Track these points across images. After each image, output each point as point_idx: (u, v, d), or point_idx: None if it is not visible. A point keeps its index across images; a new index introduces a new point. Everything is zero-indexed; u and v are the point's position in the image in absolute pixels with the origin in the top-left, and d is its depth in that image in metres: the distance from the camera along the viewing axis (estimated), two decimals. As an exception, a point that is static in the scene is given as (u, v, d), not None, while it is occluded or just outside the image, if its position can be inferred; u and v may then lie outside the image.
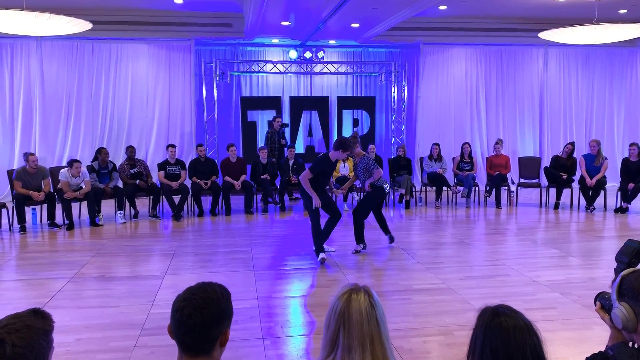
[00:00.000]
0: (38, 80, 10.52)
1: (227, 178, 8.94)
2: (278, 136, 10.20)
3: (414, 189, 9.57)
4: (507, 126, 12.12)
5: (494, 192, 9.40)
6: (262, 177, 9.15)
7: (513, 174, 10.54)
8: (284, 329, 4.03)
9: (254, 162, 9.42)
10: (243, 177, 9.08)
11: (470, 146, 9.87)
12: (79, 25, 7.54)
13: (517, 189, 9.74)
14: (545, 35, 9.04)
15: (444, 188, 9.55)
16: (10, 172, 8.05)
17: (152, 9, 10.06)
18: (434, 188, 9.63)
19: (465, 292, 4.77)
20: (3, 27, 7.27)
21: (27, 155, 7.84)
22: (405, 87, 11.62)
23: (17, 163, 10.08)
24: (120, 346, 3.65)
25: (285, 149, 9.93)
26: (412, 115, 11.91)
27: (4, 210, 7.80)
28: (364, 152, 6.38)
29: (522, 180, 9.94)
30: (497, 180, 9.35)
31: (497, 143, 9.80)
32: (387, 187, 6.30)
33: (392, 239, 6.62)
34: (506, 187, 9.63)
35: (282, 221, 8.51)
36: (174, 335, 1.54)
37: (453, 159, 10.11)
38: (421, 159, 10.26)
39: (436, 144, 9.93)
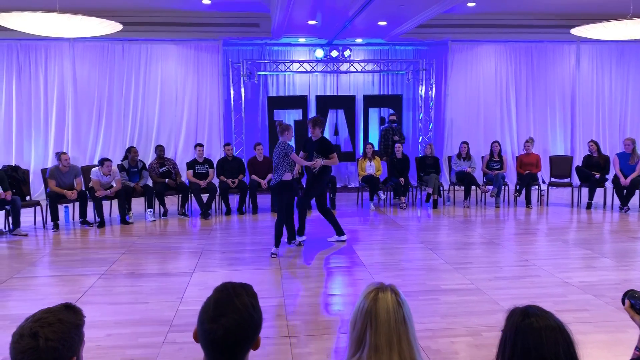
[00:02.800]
0: (70, 81, 10.77)
1: (254, 177, 8.99)
2: (392, 133, 10.24)
3: (441, 188, 9.47)
4: (537, 124, 11.89)
5: (524, 192, 9.23)
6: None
7: (544, 173, 10.33)
8: (310, 327, 4.03)
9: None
10: (270, 176, 9.11)
11: (499, 145, 9.71)
12: (110, 27, 7.68)
13: (548, 189, 9.55)
14: (577, 31, 8.83)
15: (473, 187, 9.42)
16: (44, 171, 8.26)
17: (181, 9, 10.19)
18: (463, 187, 9.51)
19: (494, 293, 4.70)
20: (38, 29, 7.45)
21: (60, 155, 8.03)
22: (433, 85, 11.50)
23: (50, 162, 10.34)
24: (150, 342, 3.71)
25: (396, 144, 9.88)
26: (440, 113, 11.79)
27: (37, 208, 8.02)
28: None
29: (553, 180, 9.74)
30: (527, 180, 9.18)
31: (527, 141, 9.62)
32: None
33: (292, 241, 6.64)
34: (537, 187, 9.45)
35: (308, 219, 8.49)
36: (203, 347, 1.47)
37: (482, 157, 9.96)
38: (449, 158, 10.14)
39: (465, 142, 9.80)
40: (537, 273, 5.35)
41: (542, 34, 11.25)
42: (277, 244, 6.20)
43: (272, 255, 6.08)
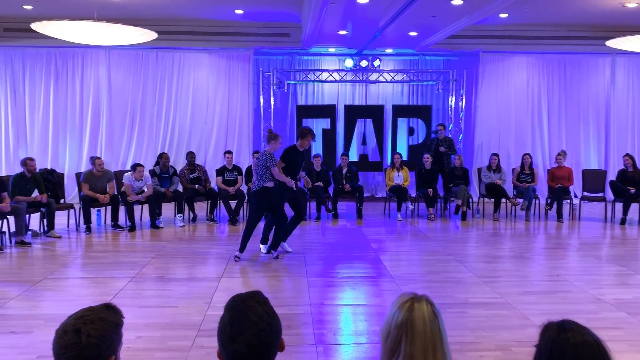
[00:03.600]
0: (105, 88, 11.05)
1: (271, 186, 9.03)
2: (438, 143, 10.17)
3: (470, 200, 9.37)
4: (570, 137, 11.68)
5: (555, 205, 9.05)
6: (315, 184, 9.20)
7: (576, 187, 10.13)
8: (336, 336, 4.02)
9: (308, 170, 9.48)
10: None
11: (531, 157, 9.56)
12: (145, 35, 7.86)
13: (580, 203, 9.35)
14: (613, 43, 8.67)
15: (503, 200, 9.29)
16: (78, 175, 8.47)
17: (214, 19, 10.37)
18: (492, 200, 9.38)
19: (525, 308, 4.61)
20: (76, 37, 7.68)
21: (94, 159, 8.22)
22: (464, 96, 11.42)
23: (84, 166, 10.59)
24: (178, 346, 3.75)
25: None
26: (469, 124, 11.69)
27: (71, 211, 8.21)
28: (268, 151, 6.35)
29: (586, 194, 9.54)
30: (559, 193, 9.01)
31: (559, 154, 9.44)
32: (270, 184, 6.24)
33: (269, 250, 6.43)
34: (568, 201, 9.26)
35: (335, 229, 8.52)
36: None
37: (513, 170, 9.83)
38: (479, 170, 10.03)
39: (495, 154, 9.68)
40: (569, 288, 5.23)
41: (576, 45, 11.07)
42: (243, 248, 6.25)
43: (236, 259, 6.19)
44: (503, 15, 9.75)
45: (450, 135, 10.82)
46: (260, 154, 6.35)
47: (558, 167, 9.37)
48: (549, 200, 9.23)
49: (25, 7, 9.31)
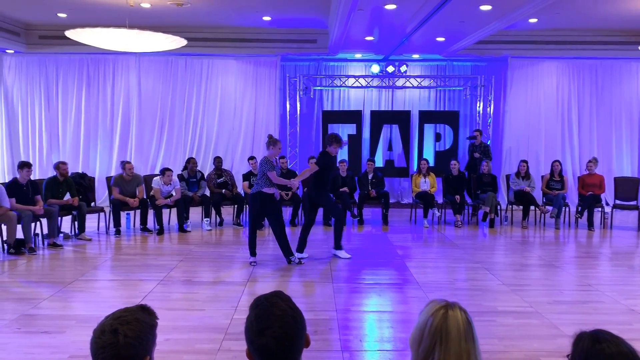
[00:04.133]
0: (135, 94, 11.27)
1: (307, 190, 9.06)
2: (473, 149, 10.16)
3: (498, 207, 9.24)
4: (601, 144, 11.44)
5: (586, 213, 8.87)
6: (341, 189, 9.20)
7: (608, 195, 9.91)
8: (362, 342, 4.01)
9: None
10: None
11: (560, 164, 9.40)
12: (175, 42, 7.99)
13: (612, 211, 9.15)
14: (646, 47, 8.48)
15: (532, 207, 9.14)
16: (108, 179, 8.64)
17: (242, 26, 10.49)
18: (521, 207, 9.24)
19: (554, 317, 4.52)
20: (108, 44, 7.85)
21: (124, 164, 8.38)
22: (492, 102, 11.30)
23: (114, 170, 10.81)
24: (205, 349, 3.79)
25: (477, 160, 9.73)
26: (498, 130, 11.55)
27: (101, 214, 8.38)
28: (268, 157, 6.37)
29: (618, 202, 9.32)
30: (589, 201, 8.82)
31: (590, 161, 9.25)
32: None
33: (289, 261, 6.39)
34: (600, 209, 9.06)
35: (360, 235, 8.50)
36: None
37: (542, 177, 9.67)
38: (507, 176, 9.90)
39: (524, 160, 9.54)
40: (600, 299, 5.12)
41: (607, 50, 10.86)
42: (252, 253, 6.36)
43: (252, 264, 6.26)
44: (532, 20, 9.62)
45: (488, 142, 10.65)
46: (261, 159, 6.36)
47: (589, 175, 9.18)
48: (580, 208, 9.05)
49: (60, 15, 9.57)
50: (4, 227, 6.85)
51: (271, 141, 6.38)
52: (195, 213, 9.05)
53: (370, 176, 9.46)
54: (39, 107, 11.24)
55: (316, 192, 6.66)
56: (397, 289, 5.50)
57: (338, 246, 6.75)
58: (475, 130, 10.45)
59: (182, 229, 8.35)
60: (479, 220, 9.46)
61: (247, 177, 9.13)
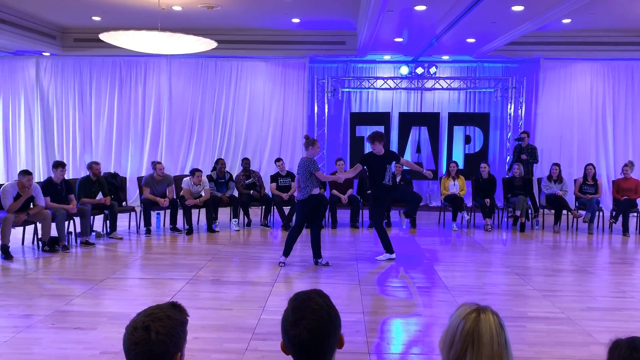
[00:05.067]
0: (166, 95, 11.44)
1: (335, 191, 9.06)
2: (519, 151, 9.98)
3: (530, 211, 9.07)
4: (637, 148, 11.12)
5: (620, 218, 8.64)
6: (368, 192, 9.15)
7: (644, 200, 9.61)
8: (390, 345, 3.98)
9: (361, 177, 9.46)
10: (350, 192, 9.16)
11: (594, 168, 9.17)
12: (206, 44, 8.09)
13: (648, 216, 8.88)
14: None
15: (564, 212, 8.94)
16: (139, 179, 8.79)
17: (271, 28, 10.55)
18: (553, 211, 9.05)
19: (587, 324, 4.41)
20: (140, 46, 7.99)
21: (155, 164, 8.51)
22: (523, 104, 11.11)
23: (145, 170, 11.00)
24: (233, 348, 3.81)
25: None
26: (529, 133, 11.32)
27: (132, 214, 8.53)
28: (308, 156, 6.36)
29: (655, 207, 9.04)
30: (625, 206, 8.59)
31: (626, 165, 9.01)
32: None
33: (318, 261, 6.40)
34: (635, 214, 8.81)
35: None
36: (291, 354, 1.54)
37: (575, 180, 9.46)
38: (539, 180, 9.71)
39: (556, 164, 9.34)
40: (636, 306, 4.97)
41: (644, 51, 10.56)
42: (287, 253, 6.34)
43: (280, 265, 6.26)
44: (566, 21, 9.43)
45: (534, 144, 10.35)
46: (301, 161, 6.34)
47: (624, 179, 8.94)
48: (614, 212, 8.81)
49: (94, 18, 9.79)
50: (39, 225, 7.03)
51: (309, 141, 6.37)
52: (223, 214, 9.13)
53: (398, 178, 9.37)
54: (73, 108, 11.51)
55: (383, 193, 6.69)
56: (425, 292, 5.45)
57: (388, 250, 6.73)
58: (522, 132, 10.22)
59: (210, 229, 8.43)
60: (510, 224, 9.28)
61: (274, 178, 9.17)
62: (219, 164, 9.06)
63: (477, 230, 8.99)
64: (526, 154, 9.82)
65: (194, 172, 8.54)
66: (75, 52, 11.08)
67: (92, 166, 7.95)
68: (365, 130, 11.39)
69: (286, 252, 6.34)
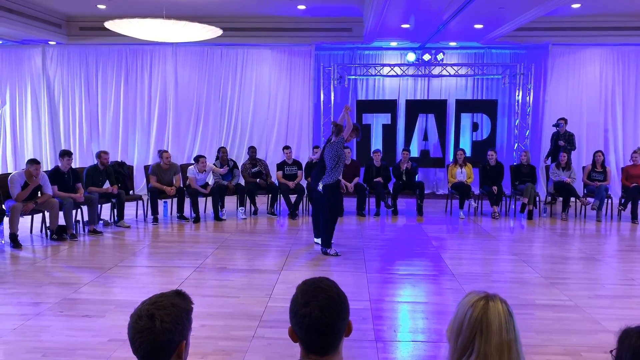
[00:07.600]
0: (172, 84, 11.42)
1: (342, 180, 9.04)
2: (557, 137, 9.84)
3: (537, 198, 9.02)
4: (647, 134, 11.01)
5: (629, 206, 8.57)
6: (375, 180, 9.13)
7: (653, 187, 9.52)
8: (396, 333, 3.98)
9: (368, 165, 9.43)
10: (356, 180, 9.14)
11: (603, 155, 9.09)
12: (211, 32, 8.04)
13: (657, 203, 8.80)
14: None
15: (572, 199, 8.88)
16: (146, 168, 8.81)
17: (276, 15, 10.48)
18: (560, 198, 8.98)
19: (595, 312, 4.39)
20: (145, 34, 7.96)
21: (161, 153, 8.52)
22: (531, 90, 11.00)
23: (151, 159, 11.01)
24: (240, 335, 3.83)
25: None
26: (537, 120, 11.25)
27: (139, 202, 8.55)
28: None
29: (664, 194, 8.95)
30: (634, 193, 8.51)
31: (635, 152, 8.92)
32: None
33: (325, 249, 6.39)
34: (644, 201, 8.73)
35: (394, 225, 8.43)
36: (300, 338, 1.52)
37: (583, 168, 9.38)
38: (547, 167, 9.63)
39: (565, 150, 9.25)
40: (645, 294, 4.94)
41: (655, 36, 10.40)
42: (329, 243, 6.34)
43: (337, 254, 6.25)
44: (575, 6, 9.29)
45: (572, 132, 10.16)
46: (333, 144, 6.23)
47: (633, 165, 8.86)
48: (623, 200, 8.75)
49: (100, 6, 9.76)
50: (46, 214, 7.07)
51: (338, 127, 6.29)
52: (230, 202, 9.14)
53: (404, 167, 9.31)
54: (79, 97, 11.52)
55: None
56: (431, 280, 5.44)
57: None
58: (560, 118, 10.03)
59: (217, 217, 8.45)
60: (517, 211, 9.23)
61: (281, 166, 9.16)
62: (221, 152, 9.05)
63: (484, 217, 8.95)
64: (564, 140, 9.66)
65: (198, 158, 8.56)
66: (81, 41, 11.06)
67: (101, 155, 7.97)
68: (372, 118, 11.36)
69: (328, 243, 6.33)
